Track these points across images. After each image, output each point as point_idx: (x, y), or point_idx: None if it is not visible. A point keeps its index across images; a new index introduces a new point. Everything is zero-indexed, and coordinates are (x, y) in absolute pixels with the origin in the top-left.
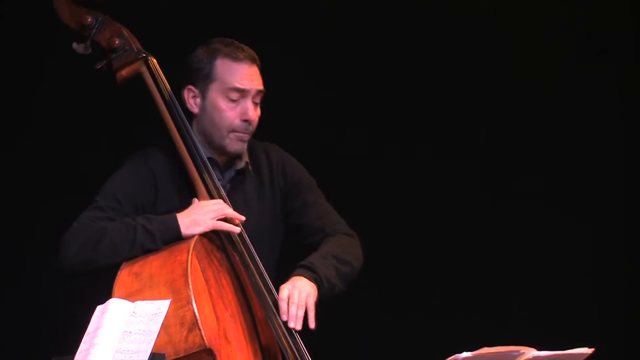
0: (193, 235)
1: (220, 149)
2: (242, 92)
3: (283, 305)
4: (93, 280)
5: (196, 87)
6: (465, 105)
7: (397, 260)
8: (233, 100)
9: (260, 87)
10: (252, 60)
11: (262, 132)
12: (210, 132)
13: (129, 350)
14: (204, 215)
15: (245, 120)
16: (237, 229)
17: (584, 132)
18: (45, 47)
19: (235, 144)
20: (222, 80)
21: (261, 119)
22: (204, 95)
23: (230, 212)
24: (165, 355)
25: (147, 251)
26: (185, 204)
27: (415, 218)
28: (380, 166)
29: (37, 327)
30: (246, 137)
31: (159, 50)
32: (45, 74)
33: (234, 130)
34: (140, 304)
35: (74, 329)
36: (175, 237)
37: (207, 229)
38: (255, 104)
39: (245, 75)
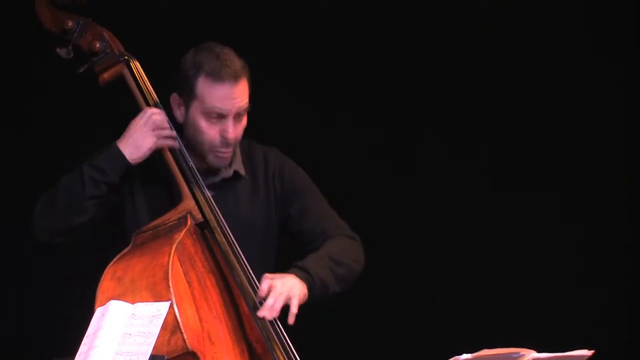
0: (141, 158)
1: (203, 160)
2: (222, 113)
3: (263, 286)
4: (93, 282)
5: (180, 97)
6: (465, 105)
7: (396, 262)
8: (213, 119)
9: (242, 104)
10: (235, 78)
11: (262, 133)
12: (193, 145)
13: (128, 352)
14: (143, 136)
15: (225, 139)
16: (177, 144)
17: (585, 132)
18: (34, 50)
19: (217, 160)
20: (202, 100)
21: (260, 120)
22: (187, 109)
23: (164, 123)
24: (165, 357)
25: (104, 185)
26: (166, 201)
27: (416, 218)
28: (382, 166)
29: (38, 329)
30: (227, 153)
31: (154, 52)
32: (35, 75)
33: (213, 149)
34: (140, 306)
35: (74, 330)
36: (123, 165)
37: (150, 150)
38: (238, 119)
39: (226, 96)
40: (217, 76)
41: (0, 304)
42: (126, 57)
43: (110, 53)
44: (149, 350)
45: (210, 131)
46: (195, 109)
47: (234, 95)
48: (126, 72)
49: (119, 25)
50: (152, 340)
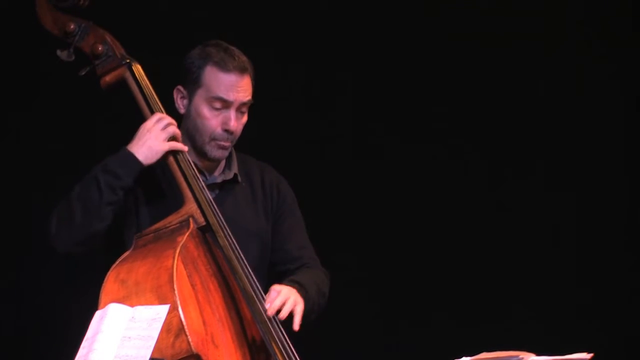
0: (154, 161)
1: (202, 154)
2: (226, 103)
3: (272, 294)
4: (92, 284)
5: (185, 89)
6: (463, 106)
7: (395, 265)
8: (216, 109)
9: (246, 98)
10: (242, 71)
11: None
12: (193, 136)
13: (128, 356)
14: (156, 140)
15: (226, 130)
16: (186, 147)
17: (584, 132)
18: (31, 51)
19: (216, 151)
20: (207, 88)
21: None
22: (190, 99)
23: (174, 129)
24: None
25: (120, 190)
26: (167, 205)
27: (413, 221)
28: (380, 168)
29: (37, 332)
30: (227, 145)
31: (155, 53)
32: (33, 77)
33: (214, 139)
34: (140, 309)
35: (73, 333)
36: (138, 168)
37: (163, 153)
38: (240, 112)
39: (231, 87)
40: (224, 66)
41: (0, 305)
42: (128, 61)
43: (113, 56)
44: (148, 354)
45: (212, 119)
46: (199, 97)
47: (239, 87)
48: (128, 75)
49: (119, 28)
50: (152, 343)
